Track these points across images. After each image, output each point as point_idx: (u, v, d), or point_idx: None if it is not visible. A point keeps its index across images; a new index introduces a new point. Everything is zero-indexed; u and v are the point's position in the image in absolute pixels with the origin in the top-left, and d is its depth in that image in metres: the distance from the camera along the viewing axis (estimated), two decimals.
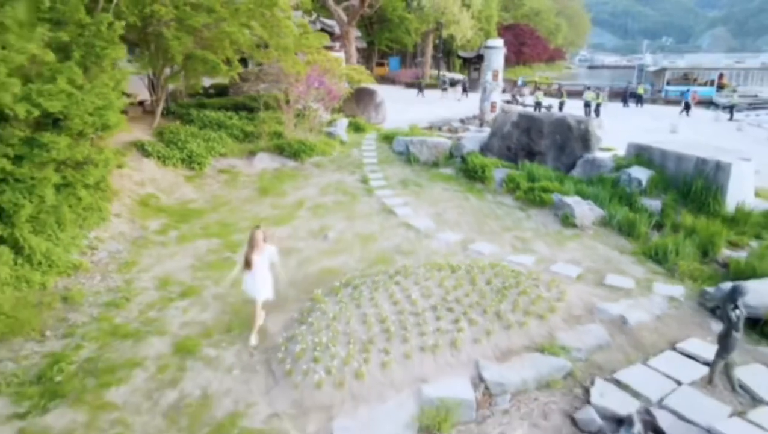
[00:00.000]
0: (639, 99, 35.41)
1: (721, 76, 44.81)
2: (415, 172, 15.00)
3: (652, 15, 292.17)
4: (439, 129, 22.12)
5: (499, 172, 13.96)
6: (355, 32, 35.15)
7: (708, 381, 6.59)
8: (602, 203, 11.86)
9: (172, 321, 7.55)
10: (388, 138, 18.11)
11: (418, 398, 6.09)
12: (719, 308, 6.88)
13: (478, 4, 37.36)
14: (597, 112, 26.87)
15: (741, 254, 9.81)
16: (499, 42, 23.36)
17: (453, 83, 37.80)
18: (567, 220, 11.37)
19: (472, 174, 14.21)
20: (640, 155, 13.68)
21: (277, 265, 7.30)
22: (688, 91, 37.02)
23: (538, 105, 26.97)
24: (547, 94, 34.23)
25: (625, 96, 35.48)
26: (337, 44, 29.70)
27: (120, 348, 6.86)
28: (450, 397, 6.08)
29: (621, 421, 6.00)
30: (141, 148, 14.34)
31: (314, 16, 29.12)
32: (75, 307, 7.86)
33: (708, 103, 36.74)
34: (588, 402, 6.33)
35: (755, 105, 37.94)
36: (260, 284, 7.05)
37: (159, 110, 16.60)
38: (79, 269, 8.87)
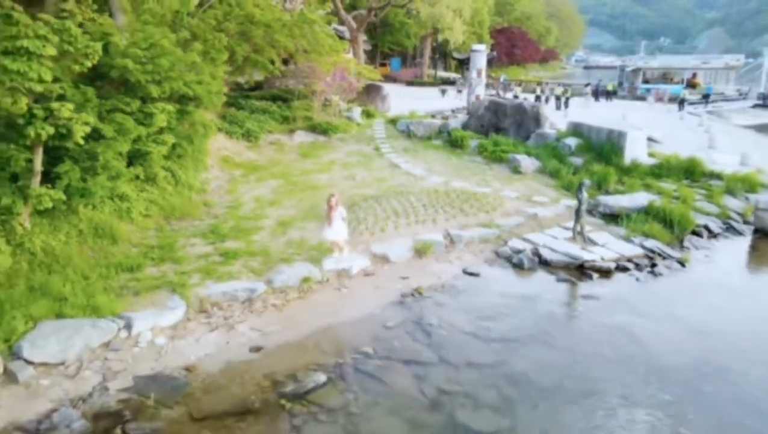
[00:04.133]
0: (609, 94, 40.78)
1: (694, 75, 49.98)
2: (413, 143, 20.45)
3: (650, 16, 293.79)
4: (432, 117, 27.47)
5: (473, 141, 19.43)
6: (362, 37, 40.51)
7: (572, 238, 12.00)
8: (542, 159, 17.30)
9: (271, 214, 12.97)
10: (393, 122, 23.51)
11: (414, 240, 11.51)
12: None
13: (468, 14, 42.61)
14: (566, 104, 32.32)
15: (622, 187, 15.28)
16: (482, 46, 28.86)
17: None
18: (516, 169, 16.82)
19: (454, 143, 19.70)
20: (575, 129, 19.12)
21: (346, 219, 10.60)
22: (650, 89, 42.56)
23: (515, 98, 32.33)
24: (527, 90, 39.60)
25: (596, 92, 40.83)
26: (347, 47, 35.05)
27: (248, 223, 12.26)
28: (431, 240, 11.51)
29: (520, 251, 11.42)
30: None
31: (331, 25, 34.44)
32: (212, 208, 13.31)
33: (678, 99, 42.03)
34: (505, 245, 11.76)
35: (713, 100, 43.18)
36: (337, 232, 10.32)
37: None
38: (205, 192, 14.30)
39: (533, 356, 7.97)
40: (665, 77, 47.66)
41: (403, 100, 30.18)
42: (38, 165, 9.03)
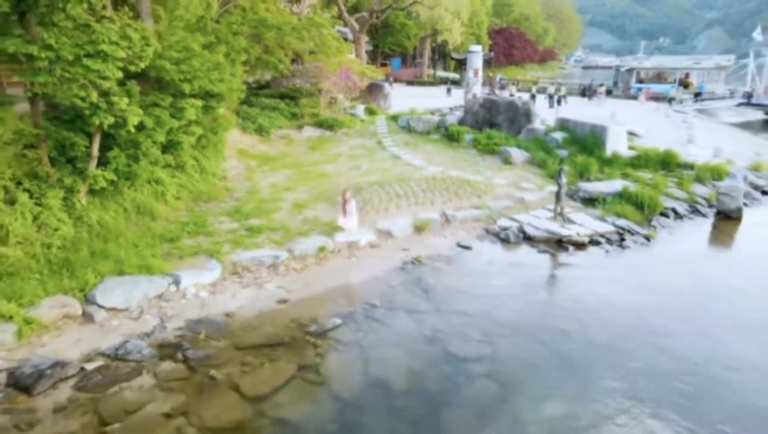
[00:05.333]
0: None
1: (687, 75, 51.45)
2: (413, 137, 22.07)
3: (650, 16, 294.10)
4: (431, 114, 29.07)
5: (469, 136, 21.03)
6: (364, 38, 42.12)
7: (553, 218, 13.60)
8: (531, 151, 18.90)
9: (287, 197, 14.58)
10: (394, 118, 25.13)
11: (414, 218, 13.12)
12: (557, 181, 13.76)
13: (466, 15, 44.21)
14: (559, 102, 33.91)
15: (602, 176, 16.88)
16: (479, 47, 30.51)
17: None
18: (507, 160, 18.42)
19: (451, 137, 21.31)
20: (562, 124, 20.71)
21: (356, 212, 12.31)
22: (641, 88, 44.15)
23: (510, 96, 33.93)
24: (523, 90, 41.20)
25: (586, 91, 42.34)
26: (351, 48, 36.66)
27: (267, 205, 13.87)
28: (429, 218, 13.12)
29: (507, 228, 13.02)
30: None
31: (335, 27, 36.01)
32: (234, 192, 14.92)
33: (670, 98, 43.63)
34: (494, 223, 13.36)
35: (704, 99, 44.70)
36: (350, 223, 12.13)
37: None
38: (226, 179, 15.91)
39: (514, 307, 9.58)
40: (659, 77, 49.12)
41: (404, 98, 31.80)
42: (96, 150, 10.64)
